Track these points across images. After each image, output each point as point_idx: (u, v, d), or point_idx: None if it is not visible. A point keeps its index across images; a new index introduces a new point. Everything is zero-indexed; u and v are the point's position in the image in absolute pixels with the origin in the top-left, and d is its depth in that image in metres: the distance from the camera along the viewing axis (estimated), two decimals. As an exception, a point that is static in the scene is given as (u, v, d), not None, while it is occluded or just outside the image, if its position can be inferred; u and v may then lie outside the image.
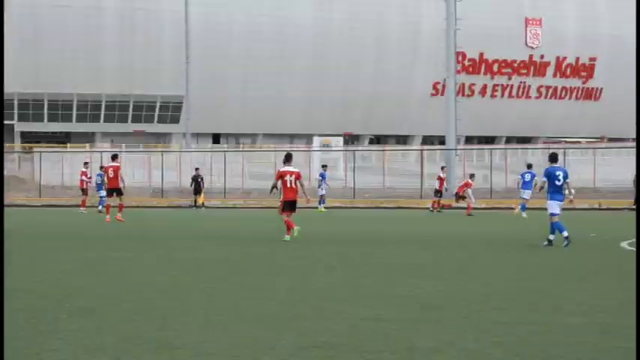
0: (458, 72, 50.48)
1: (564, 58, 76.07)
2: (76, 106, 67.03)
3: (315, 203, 36.63)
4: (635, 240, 18.45)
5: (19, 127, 66.58)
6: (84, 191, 36.57)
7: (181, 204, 44.19)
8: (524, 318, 8.43)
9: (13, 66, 58.95)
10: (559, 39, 74.14)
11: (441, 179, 38.17)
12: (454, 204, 35.78)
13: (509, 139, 74.65)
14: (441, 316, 8.56)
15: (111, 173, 26.69)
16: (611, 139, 71.87)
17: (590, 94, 77.90)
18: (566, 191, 18.47)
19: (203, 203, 42.22)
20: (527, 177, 30.67)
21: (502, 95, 75.64)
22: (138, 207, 38.08)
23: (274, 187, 18.79)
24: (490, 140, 72.46)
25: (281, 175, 18.54)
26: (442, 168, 40.48)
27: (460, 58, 60.49)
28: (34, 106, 66.21)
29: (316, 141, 63.39)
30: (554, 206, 17.30)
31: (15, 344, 6.78)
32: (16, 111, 65.27)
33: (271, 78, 67.91)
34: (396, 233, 22.34)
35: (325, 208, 38.32)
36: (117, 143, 62.73)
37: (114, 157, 27.86)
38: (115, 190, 26.58)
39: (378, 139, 73.80)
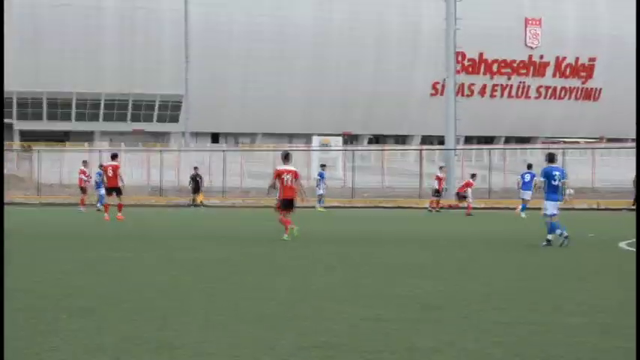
0: (457, 72, 50.50)
1: (564, 59, 76.09)
2: (75, 104, 67.01)
3: (312, 202, 36.67)
4: (634, 240, 18.46)
5: (18, 125, 66.57)
6: (83, 190, 36.58)
7: (180, 203, 44.20)
8: (524, 318, 8.44)
9: (13, 65, 58.93)
10: (559, 39, 74.14)
11: (439, 179, 38.19)
12: (460, 204, 35.55)
13: (508, 139, 74.66)
14: (441, 316, 8.56)
15: (110, 172, 26.75)
16: (610, 140, 71.90)
17: (590, 95, 77.92)
18: (567, 191, 18.50)
19: (202, 202, 42.25)
20: (527, 177, 30.67)
21: (501, 95, 75.65)
22: (136, 206, 38.06)
23: (272, 186, 18.77)
24: (489, 140, 72.45)
25: (278, 174, 18.51)
26: (440, 168, 40.51)
27: (460, 58, 60.48)
28: (33, 104, 66.20)
29: (315, 141, 63.40)
30: (549, 206, 17.31)
31: (15, 344, 6.77)
32: (15, 110, 65.25)
33: (271, 78, 67.90)
34: (395, 233, 22.34)
35: (324, 207, 38.34)
36: (116, 142, 62.72)
37: (114, 157, 27.91)
38: (114, 189, 26.64)
39: (377, 139, 73.79)
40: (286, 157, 19.03)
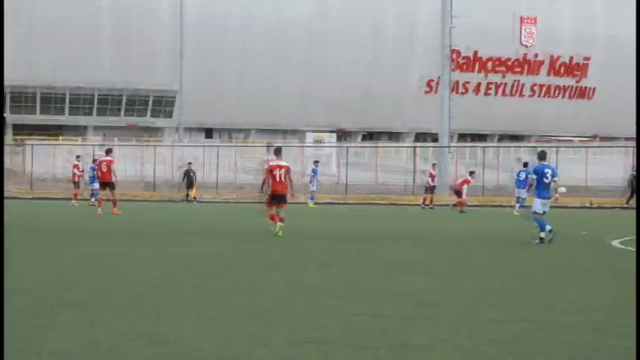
0: (452, 69, 50.47)
1: (558, 57, 76.14)
2: (68, 98, 66.86)
3: (302, 199, 36.74)
4: (627, 238, 18.51)
5: (11, 119, 66.38)
6: (76, 184, 36.55)
7: (173, 198, 44.19)
8: (518, 315, 8.45)
9: (6, 58, 58.71)
10: (554, 38, 74.18)
11: (432, 176, 38.29)
12: (467, 202, 34.93)
13: (501, 137, 74.68)
14: (435, 313, 8.57)
15: (104, 167, 26.76)
16: (603, 138, 72.00)
17: (584, 93, 78.01)
18: (560, 189, 18.56)
19: (195, 197, 42.24)
20: (522, 175, 30.70)
21: (495, 93, 75.68)
22: (130, 201, 38.01)
23: (264, 183, 18.75)
24: (483, 138, 72.48)
25: (271, 169, 18.51)
26: (433, 165, 40.65)
27: (454, 56, 60.42)
28: (27, 98, 66.01)
29: (309, 137, 63.42)
30: (539, 204, 17.34)
31: (15, 344, 6.71)
32: (8, 103, 65.04)
33: (266, 73, 67.79)
34: (388, 230, 22.33)
35: (315, 204, 38.32)
36: (109, 137, 62.59)
37: (108, 152, 27.90)
38: (107, 184, 26.64)
39: (370, 136, 73.78)
40: (278, 153, 19.03)
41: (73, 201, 35.42)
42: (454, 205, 34.05)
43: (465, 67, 72.44)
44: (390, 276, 11.78)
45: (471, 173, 35.91)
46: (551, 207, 17.87)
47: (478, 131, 72.65)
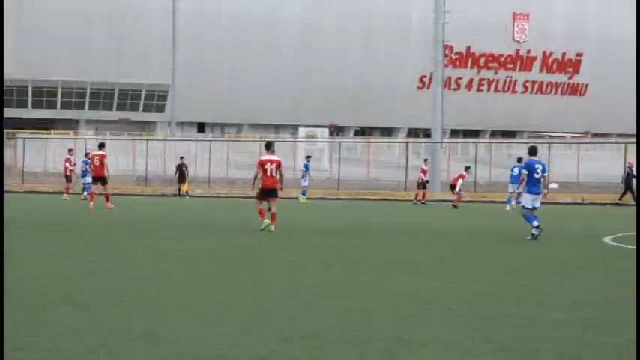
0: (445, 65, 50.45)
1: (551, 54, 76.27)
2: (60, 93, 66.72)
3: (293, 194, 36.82)
4: (618, 235, 18.55)
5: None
6: (68, 178, 36.53)
7: (165, 192, 44.14)
8: (509, 312, 8.47)
9: (-2, 51, 58.55)
10: (546, 34, 74.31)
11: (424, 172, 38.34)
12: (462, 197, 34.52)
13: (494, 133, 74.80)
14: (429, 310, 8.58)
15: (97, 162, 26.68)
16: (595, 135, 72.18)
17: (576, 90, 78.17)
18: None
19: (187, 192, 42.19)
20: (516, 171, 30.66)
21: (488, 89, 75.78)
22: (122, 195, 37.95)
23: (256, 177, 18.76)
24: (475, 134, 72.59)
25: (262, 164, 18.53)
26: (425, 160, 40.71)
27: (447, 52, 60.45)
28: (18, 92, 65.82)
29: (302, 132, 63.39)
30: (528, 199, 17.36)
31: (15, 344, 6.67)
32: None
33: (258, 68, 67.76)
34: (380, 226, 22.32)
35: (307, 199, 38.29)
36: (101, 131, 62.47)
37: (101, 146, 27.82)
38: (100, 179, 26.59)
39: (363, 131, 73.80)
40: (269, 147, 19.06)
41: (64, 195, 35.38)
42: (454, 206, 33.60)
43: (457, 63, 72.53)
44: (384, 273, 11.79)
45: (467, 168, 35.77)
46: (542, 203, 17.90)
47: (471, 127, 72.77)
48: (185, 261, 13.08)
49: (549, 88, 77.41)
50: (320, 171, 48.95)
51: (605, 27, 74.81)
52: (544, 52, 75.97)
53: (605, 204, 39.03)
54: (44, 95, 66.54)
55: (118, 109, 68.05)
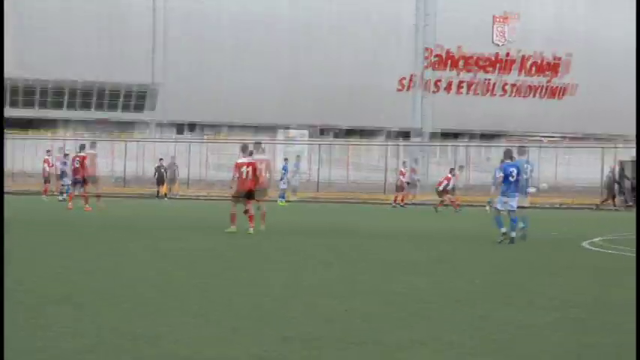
0: (426, 67, 50.54)
1: (533, 56, 76.68)
2: (39, 92, 66.27)
3: (274, 196, 36.83)
4: (595, 240, 18.70)
5: (-20, 112, 65.63)
6: (46, 179, 36.45)
7: (145, 194, 44.03)
8: (507, 312, 8.52)
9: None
10: (529, 36, 74.68)
11: (403, 174, 38.44)
12: (449, 199, 34.10)
13: (474, 136, 75.02)
14: (430, 309, 8.63)
15: (87, 161, 26.35)
16: (577, 138, 72.52)
17: (559, 92, 78.62)
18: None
19: (166, 194, 42.00)
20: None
21: (468, 91, 76.02)
22: (103, 196, 37.71)
23: (233, 180, 18.84)
24: (455, 136, 72.76)
25: (238, 167, 18.58)
26: (404, 163, 40.92)
27: (429, 54, 60.68)
28: (-4, 91, 65.24)
29: (281, 134, 63.37)
30: (501, 202, 17.48)
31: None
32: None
33: (246, 68, 67.61)
34: (358, 228, 22.31)
35: (286, 201, 38.16)
36: (80, 132, 62.06)
37: (92, 145, 27.62)
38: (89, 178, 26.32)
39: (344, 133, 73.83)
40: (245, 150, 19.15)
41: (43, 196, 35.26)
42: (455, 209, 33.46)
43: (439, 65, 72.63)
44: (383, 273, 11.84)
45: (451, 170, 35.81)
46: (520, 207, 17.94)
47: (451, 129, 72.91)
48: (185, 261, 13.09)
49: (531, 90, 77.82)
50: (300, 173, 48.91)
51: (590, 29, 75.34)
52: (523, 56, 76.36)
53: (584, 208, 39.35)
54: (21, 94, 66.07)
55: (97, 109, 67.67)
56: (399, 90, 71.21)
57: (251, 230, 18.00)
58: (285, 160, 40.81)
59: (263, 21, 67.70)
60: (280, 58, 68.32)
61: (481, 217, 28.28)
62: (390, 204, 37.93)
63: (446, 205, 33.22)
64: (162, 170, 42.53)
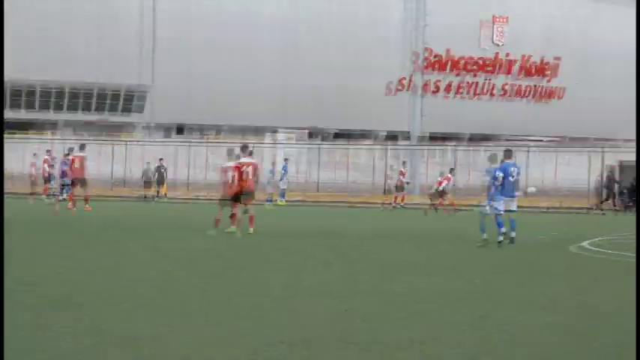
0: (415, 70, 50.38)
1: (529, 57, 76.70)
2: (39, 93, 66.18)
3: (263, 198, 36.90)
4: (587, 242, 18.71)
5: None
6: (34, 182, 36.53)
7: (133, 195, 43.93)
8: (507, 313, 8.56)
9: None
10: (518, 40, 74.73)
11: (403, 174, 38.46)
12: (443, 201, 33.77)
13: (471, 138, 75.00)
14: (429, 310, 8.66)
15: (77, 164, 26.26)
16: (572, 140, 72.50)
17: (548, 95, 78.69)
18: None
19: (153, 196, 41.82)
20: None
21: (466, 93, 76.04)
22: (99, 197, 37.74)
23: (221, 183, 18.90)
24: (452, 138, 72.70)
25: (225, 170, 18.68)
26: (403, 163, 40.93)
27: (416, 58, 60.67)
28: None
29: (268, 137, 63.33)
30: (488, 206, 17.42)
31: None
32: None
33: (237, 70, 67.58)
34: (354, 230, 22.21)
35: (274, 205, 37.74)
36: (68, 133, 61.84)
37: (81, 147, 27.54)
38: (80, 181, 26.25)
39: (338, 135, 73.80)
40: (230, 154, 19.25)
41: (30, 199, 35.20)
42: (447, 213, 33.41)
43: (434, 67, 72.68)
44: (383, 273, 11.87)
45: (451, 170, 35.65)
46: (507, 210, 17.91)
47: (448, 131, 72.87)
48: (185, 261, 13.10)
49: (527, 92, 77.85)
50: (293, 175, 48.87)
51: (583, 33, 75.44)
52: (510, 61, 76.43)
53: (582, 209, 39.43)
54: (9, 96, 65.85)
55: (96, 110, 67.57)
56: (386, 94, 71.23)
57: (233, 229, 17.99)
58: (286, 160, 40.78)
59: (251, 23, 67.69)
60: (269, 61, 68.29)
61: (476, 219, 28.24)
62: (380, 206, 37.72)
63: (436, 210, 33.03)
64: (163, 170, 42.51)
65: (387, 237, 19.65)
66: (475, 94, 76.08)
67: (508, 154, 18.03)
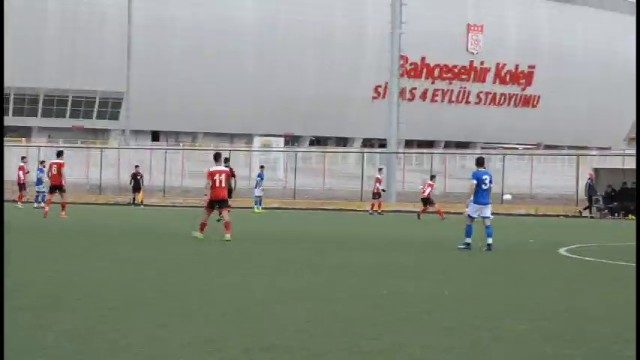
0: (392, 77, 50.55)
1: (504, 65, 77.25)
2: (12, 99, 65.78)
3: (249, 203, 36.89)
4: (572, 247, 18.85)
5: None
6: (21, 187, 36.36)
7: (119, 201, 43.83)
8: (497, 317, 8.54)
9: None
10: (499, 46, 75.26)
11: (379, 181, 38.54)
12: (430, 208, 33.96)
13: (447, 144, 75.40)
14: (416, 314, 8.63)
15: (54, 170, 26.10)
16: (547, 147, 73.18)
17: (528, 102, 79.27)
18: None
19: (142, 201, 41.90)
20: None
21: (442, 100, 76.45)
22: (75, 203, 37.54)
23: (207, 188, 18.87)
24: (429, 144, 73.09)
25: (211, 175, 18.60)
26: (379, 170, 41.05)
27: (402, 62, 60.73)
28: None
29: (257, 141, 63.33)
30: (473, 209, 17.47)
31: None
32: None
33: (213, 76, 67.56)
34: (335, 235, 22.34)
35: (263, 209, 38.04)
36: (54, 139, 61.68)
37: (59, 154, 27.34)
38: (57, 187, 26.06)
39: (318, 141, 73.97)
40: (217, 158, 19.22)
41: (18, 203, 35.16)
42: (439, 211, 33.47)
43: (412, 74, 73.04)
44: (371, 278, 11.85)
45: (432, 177, 35.77)
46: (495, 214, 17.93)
47: (425, 138, 73.24)
48: (180, 265, 13.16)
49: (502, 99, 78.36)
50: (275, 180, 48.93)
51: (558, 40, 76.10)
52: (498, 64, 76.95)
53: (558, 215, 39.65)
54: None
55: (71, 117, 67.30)
56: (374, 98, 71.42)
57: (228, 237, 17.97)
58: (262, 167, 40.76)
59: (229, 30, 67.68)
60: (245, 68, 68.37)
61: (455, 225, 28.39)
62: (367, 211, 37.95)
63: (418, 217, 33.11)
64: (139, 177, 42.34)
65: (371, 242, 19.66)
66: (450, 101, 76.52)
67: (480, 161, 18.05)
